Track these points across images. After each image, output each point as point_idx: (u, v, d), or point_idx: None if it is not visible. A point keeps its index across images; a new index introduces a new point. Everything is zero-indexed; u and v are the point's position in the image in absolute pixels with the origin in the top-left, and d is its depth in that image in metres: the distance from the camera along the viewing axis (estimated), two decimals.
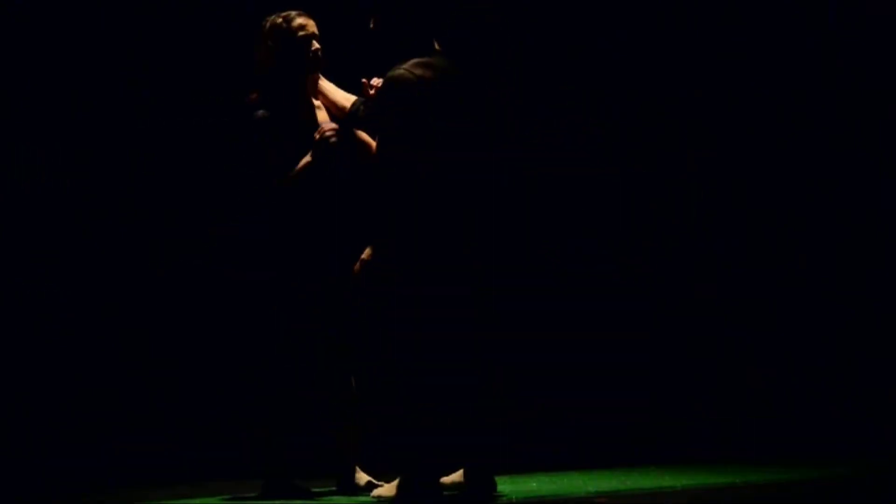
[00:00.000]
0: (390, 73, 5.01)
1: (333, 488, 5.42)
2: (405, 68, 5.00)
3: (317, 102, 5.38)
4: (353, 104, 5.27)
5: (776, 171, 8.18)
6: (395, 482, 5.12)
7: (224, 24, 6.63)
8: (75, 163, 6.33)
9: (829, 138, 8.27)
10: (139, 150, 6.48)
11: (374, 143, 5.19)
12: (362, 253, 5.33)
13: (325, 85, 5.40)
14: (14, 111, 6.20)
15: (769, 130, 8.15)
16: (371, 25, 5.16)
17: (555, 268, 7.62)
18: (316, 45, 5.30)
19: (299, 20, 5.32)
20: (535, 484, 5.64)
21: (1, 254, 6.17)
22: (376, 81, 5.18)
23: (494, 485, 5.14)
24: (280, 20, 5.35)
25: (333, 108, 5.34)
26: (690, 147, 8.03)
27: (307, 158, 5.21)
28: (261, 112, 5.26)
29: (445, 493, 5.11)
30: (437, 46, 5.11)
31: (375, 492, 5.23)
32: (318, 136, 5.20)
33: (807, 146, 8.23)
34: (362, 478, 5.39)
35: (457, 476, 5.22)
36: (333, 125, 5.22)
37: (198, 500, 5.35)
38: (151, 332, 6.46)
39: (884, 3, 8.21)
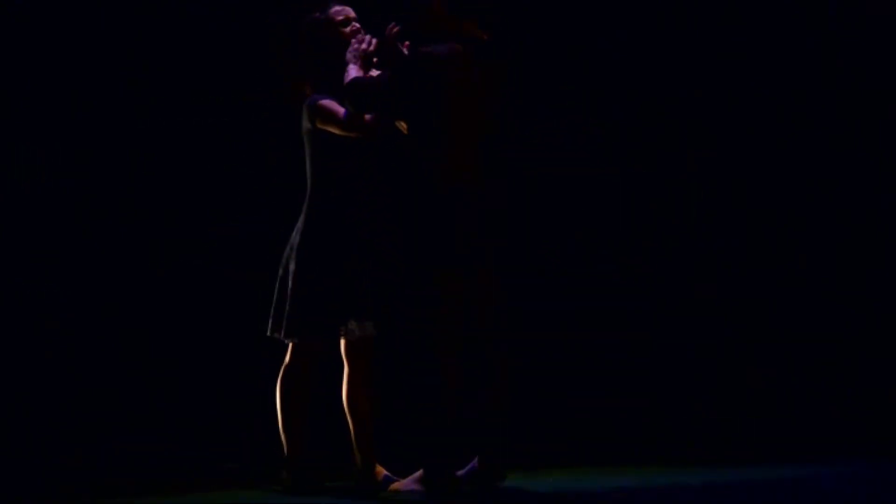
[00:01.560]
0: (422, 50, 5.12)
1: (351, 483, 5.43)
2: (438, 47, 5.09)
3: None
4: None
5: (776, 171, 8.17)
6: (413, 476, 5.17)
7: (224, 24, 6.63)
8: (75, 163, 6.33)
9: (829, 138, 8.26)
10: (139, 150, 6.48)
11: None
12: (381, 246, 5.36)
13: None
14: (14, 111, 6.20)
15: (769, 130, 8.14)
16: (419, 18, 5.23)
17: (555, 268, 7.61)
18: (357, 26, 5.42)
19: (336, 7, 5.41)
20: (552, 478, 5.67)
21: (1, 254, 6.17)
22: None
23: (503, 475, 5.19)
24: (317, 15, 5.42)
25: None
26: (690, 147, 8.03)
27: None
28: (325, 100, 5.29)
29: (465, 487, 5.16)
30: (484, 37, 5.21)
31: (393, 486, 5.26)
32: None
33: (807, 146, 8.23)
34: (380, 472, 5.42)
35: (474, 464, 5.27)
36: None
37: (198, 500, 5.36)
38: (151, 332, 6.46)
39: (884, 3, 8.21)
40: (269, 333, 5.40)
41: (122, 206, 6.44)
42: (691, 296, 7.93)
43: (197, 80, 6.58)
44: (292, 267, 5.34)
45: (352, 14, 5.46)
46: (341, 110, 5.27)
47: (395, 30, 5.34)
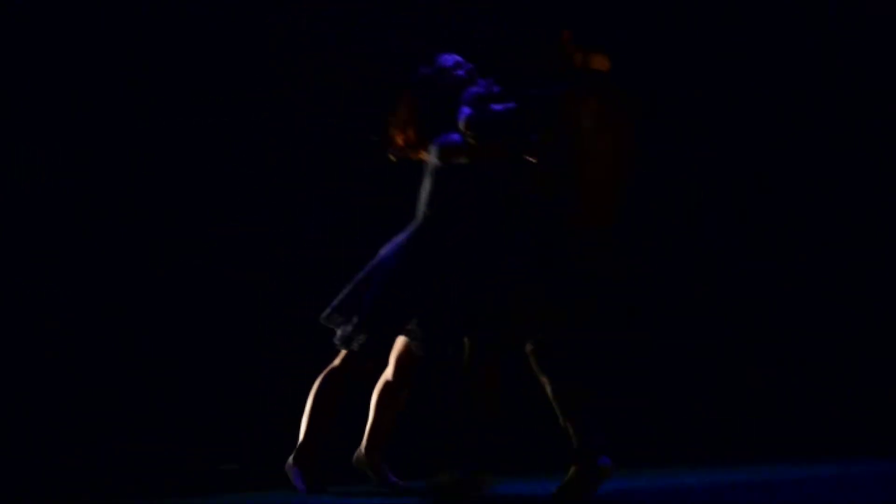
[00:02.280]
0: (535, 91, 5.12)
1: (351, 488, 5.48)
2: (552, 89, 5.10)
3: None
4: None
5: (776, 171, 8.17)
6: (443, 475, 5.17)
7: (224, 24, 6.63)
8: (75, 163, 6.33)
9: (829, 138, 8.27)
10: (139, 150, 6.47)
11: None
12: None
13: None
14: (14, 111, 6.20)
15: (769, 130, 8.15)
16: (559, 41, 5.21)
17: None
18: (471, 66, 5.53)
19: (443, 56, 5.54)
20: (551, 480, 5.68)
21: (1, 254, 6.16)
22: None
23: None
24: (426, 70, 5.46)
25: None
26: (690, 147, 8.03)
27: None
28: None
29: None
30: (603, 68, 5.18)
31: (429, 483, 5.30)
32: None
33: (807, 146, 8.23)
34: (386, 474, 5.53)
35: None
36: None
37: (198, 500, 5.35)
38: (151, 332, 6.45)
39: (884, 3, 8.22)
40: (324, 321, 5.43)
41: (122, 206, 6.43)
42: (691, 296, 7.94)
43: (197, 80, 6.58)
44: (378, 278, 5.36)
45: (460, 59, 5.54)
46: (457, 143, 5.36)
47: (568, 36, 5.29)
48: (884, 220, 8.35)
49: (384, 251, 5.50)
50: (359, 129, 6.60)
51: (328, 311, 5.46)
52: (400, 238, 5.51)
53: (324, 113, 6.88)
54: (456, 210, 5.41)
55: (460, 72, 5.51)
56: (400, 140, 5.56)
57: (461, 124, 5.23)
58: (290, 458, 5.48)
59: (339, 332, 5.42)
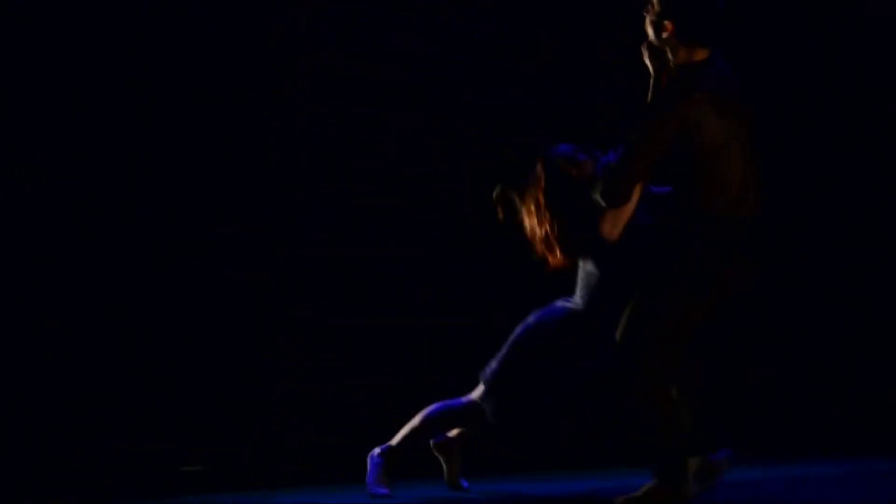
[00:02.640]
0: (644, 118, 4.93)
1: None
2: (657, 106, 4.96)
3: None
4: None
5: (775, 171, 8.16)
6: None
7: (224, 24, 6.63)
8: (75, 163, 6.33)
9: (829, 138, 8.26)
10: (139, 150, 6.48)
11: None
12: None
13: None
14: (14, 111, 6.19)
15: (768, 130, 8.13)
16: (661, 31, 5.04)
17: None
18: (582, 157, 5.49)
19: (561, 148, 5.46)
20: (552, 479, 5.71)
21: (1, 254, 6.16)
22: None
23: None
24: (531, 177, 5.45)
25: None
26: None
27: None
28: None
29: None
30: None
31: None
32: None
33: (807, 146, 8.23)
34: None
35: None
36: None
37: (197, 500, 5.36)
38: (151, 332, 6.46)
39: (884, 3, 8.22)
40: (484, 379, 5.48)
41: (122, 206, 6.44)
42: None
43: (197, 80, 6.58)
44: (526, 357, 5.42)
45: (573, 145, 5.47)
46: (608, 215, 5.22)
47: (671, 30, 5.05)
48: (884, 220, 8.35)
49: (538, 321, 5.46)
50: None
51: (491, 371, 5.46)
52: (559, 317, 5.45)
53: (324, 113, 6.88)
54: (618, 294, 5.28)
55: (582, 156, 5.44)
56: (551, 258, 5.43)
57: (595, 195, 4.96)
58: (378, 450, 5.50)
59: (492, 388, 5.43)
